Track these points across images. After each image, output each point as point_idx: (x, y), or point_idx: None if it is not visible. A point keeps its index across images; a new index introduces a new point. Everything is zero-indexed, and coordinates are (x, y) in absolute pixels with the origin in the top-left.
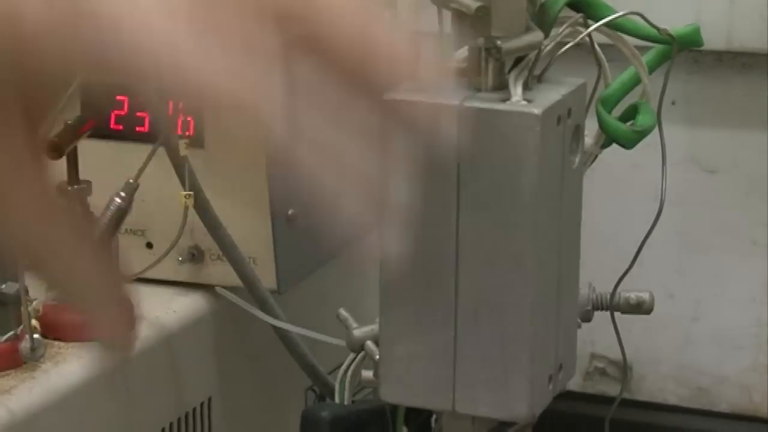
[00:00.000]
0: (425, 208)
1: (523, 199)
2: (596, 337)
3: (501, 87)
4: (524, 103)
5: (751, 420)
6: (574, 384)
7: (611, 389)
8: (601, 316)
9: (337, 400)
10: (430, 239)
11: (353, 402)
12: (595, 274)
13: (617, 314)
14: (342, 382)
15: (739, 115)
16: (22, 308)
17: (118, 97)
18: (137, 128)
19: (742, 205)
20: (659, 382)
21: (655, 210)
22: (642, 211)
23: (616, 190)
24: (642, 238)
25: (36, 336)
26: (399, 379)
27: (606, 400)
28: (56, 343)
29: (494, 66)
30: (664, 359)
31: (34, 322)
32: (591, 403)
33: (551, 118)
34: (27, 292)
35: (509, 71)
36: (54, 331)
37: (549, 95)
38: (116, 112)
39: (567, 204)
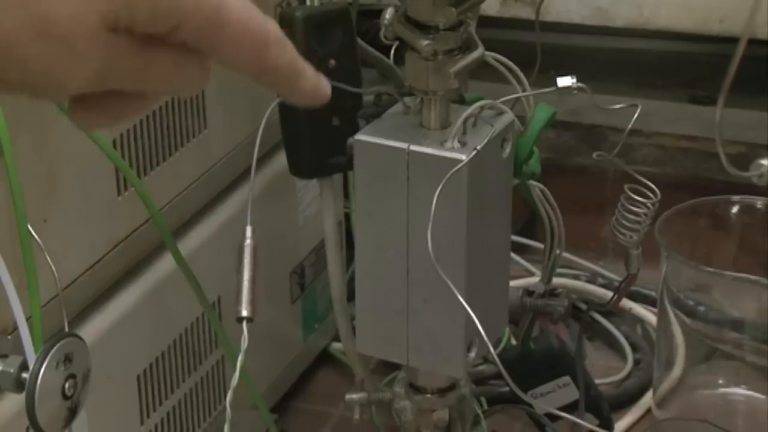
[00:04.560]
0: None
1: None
2: None
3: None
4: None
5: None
6: (492, 9)
7: (524, 12)
8: None
9: (308, 3)
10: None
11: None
12: None
13: None
14: None
15: None
16: None
17: None
18: None
19: None
20: (565, 4)
21: None
22: None
23: None
24: None
25: None
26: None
27: (521, 24)
28: None
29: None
30: None
31: None
32: (507, 28)
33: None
34: None
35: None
36: None
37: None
38: None
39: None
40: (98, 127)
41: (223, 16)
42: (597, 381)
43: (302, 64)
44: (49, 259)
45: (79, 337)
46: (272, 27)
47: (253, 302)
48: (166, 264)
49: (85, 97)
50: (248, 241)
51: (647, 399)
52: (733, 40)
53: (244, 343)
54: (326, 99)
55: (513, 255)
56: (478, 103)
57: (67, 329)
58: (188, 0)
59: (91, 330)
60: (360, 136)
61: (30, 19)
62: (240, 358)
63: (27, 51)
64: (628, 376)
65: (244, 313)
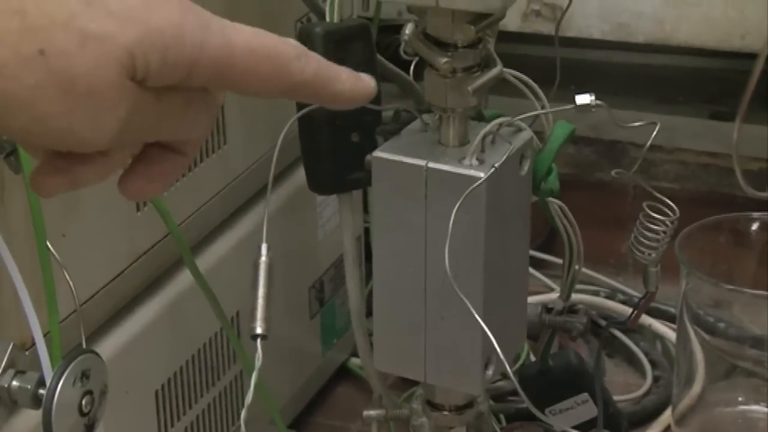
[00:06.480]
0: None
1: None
2: None
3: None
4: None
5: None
6: (513, 25)
7: (545, 28)
8: None
9: (327, 19)
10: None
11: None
12: None
13: None
14: (332, 4)
15: None
16: None
17: None
18: None
19: None
20: (586, 19)
21: None
22: None
23: None
24: None
25: None
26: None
27: (541, 39)
28: None
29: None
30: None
31: None
32: (528, 43)
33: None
34: None
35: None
36: None
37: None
38: None
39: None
40: (151, 195)
41: (231, 50)
42: (616, 398)
43: (334, 69)
44: (67, 274)
45: (97, 354)
46: (289, 44)
47: (267, 319)
48: (184, 279)
49: (133, 166)
50: (263, 258)
51: (666, 416)
52: (755, 56)
53: (258, 361)
54: (371, 95)
55: (532, 270)
56: (497, 121)
57: (84, 345)
58: (192, 47)
59: (109, 345)
60: (378, 153)
61: (52, 74)
62: (254, 376)
63: (51, 108)
64: (648, 392)
65: (259, 330)
